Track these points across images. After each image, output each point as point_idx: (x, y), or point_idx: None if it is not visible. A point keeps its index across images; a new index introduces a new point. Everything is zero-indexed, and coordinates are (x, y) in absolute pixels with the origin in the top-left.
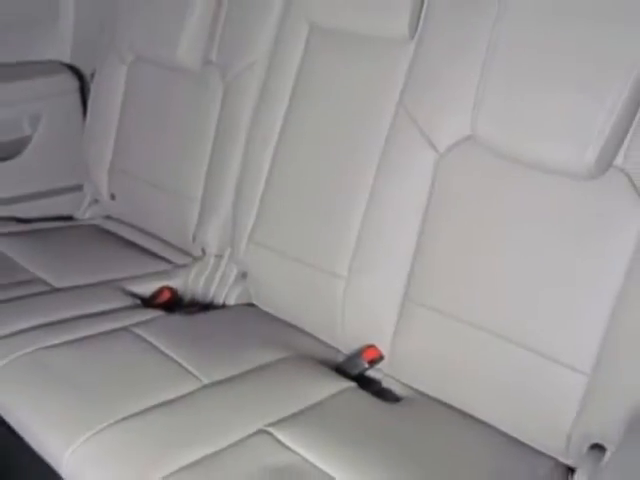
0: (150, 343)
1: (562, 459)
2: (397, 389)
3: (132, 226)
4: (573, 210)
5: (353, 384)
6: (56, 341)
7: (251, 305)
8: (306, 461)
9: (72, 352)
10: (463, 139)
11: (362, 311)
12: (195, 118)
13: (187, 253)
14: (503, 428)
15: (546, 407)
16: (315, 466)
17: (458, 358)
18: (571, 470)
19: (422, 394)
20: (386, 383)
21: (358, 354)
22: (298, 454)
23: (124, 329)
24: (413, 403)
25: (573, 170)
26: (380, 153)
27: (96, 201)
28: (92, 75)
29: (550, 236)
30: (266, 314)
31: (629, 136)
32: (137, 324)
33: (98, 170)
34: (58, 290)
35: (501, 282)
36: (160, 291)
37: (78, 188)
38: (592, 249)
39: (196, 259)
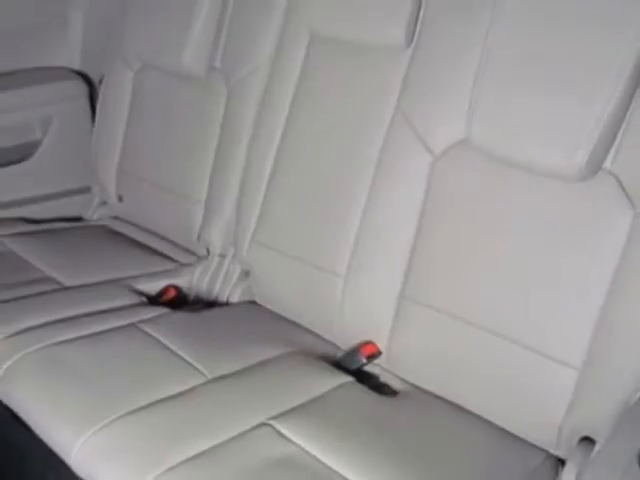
0: (156, 339)
1: (553, 451)
2: (394, 383)
3: (139, 227)
4: (564, 210)
5: (352, 379)
6: (66, 337)
7: (253, 303)
8: (307, 453)
9: (82, 348)
10: (458, 143)
11: (360, 308)
12: (199, 122)
13: (192, 253)
14: (496, 421)
15: (538, 401)
16: (315, 457)
17: (453, 354)
18: (562, 462)
19: (418, 388)
20: (383, 378)
21: (356, 350)
22: (299, 446)
23: (131, 326)
24: (410, 397)
25: (564, 172)
26: (378, 156)
27: (104, 203)
28: (100, 81)
29: (541, 236)
30: (268, 311)
31: (618, 139)
32: (144, 321)
33: (106, 173)
34: (68, 288)
35: (494, 280)
36: (166, 289)
37: (87, 190)
38: (582, 249)
39: (200, 258)
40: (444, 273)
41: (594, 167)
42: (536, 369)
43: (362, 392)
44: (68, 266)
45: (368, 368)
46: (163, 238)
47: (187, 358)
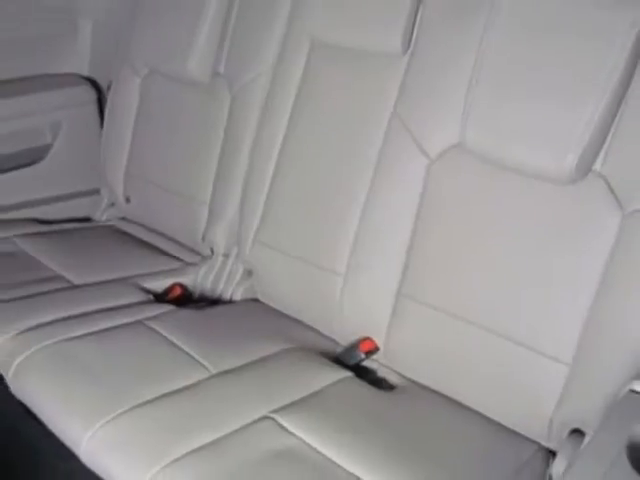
0: (162, 335)
1: (544, 443)
2: (391, 378)
3: (145, 227)
4: (554, 212)
5: (351, 374)
6: (76, 334)
7: (256, 301)
8: (307, 445)
9: (91, 344)
10: (452, 146)
11: (359, 306)
12: (204, 127)
13: (197, 252)
14: (490, 414)
15: (530, 395)
16: (316, 449)
17: (448, 349)
18: (552, 453)
19: (415, 383)
20: (381, 373)
21: (355, 346)
22: (300, 438)
23: (138, 322)
24: (406, 391)
25: (555, 175)
26: (376, 159)
27: (112, 204)
28: (109, 87)
29: (533, 237)
30: (270, 309)
31: (607, 143)
32: (150, 318)
33: (114, 175)
34: (77, 286)
35: (487, 279)
36: (172, 287)
37: (96, 192)
38: (572, 249)
39: (205, 258)
40: (439, 272)
41: (584, 170)
42: (528, 364)
43: (361, 387)
44: (78, 265)
45: (366, 363)
46: (169, 238)
47: (192, 354)
